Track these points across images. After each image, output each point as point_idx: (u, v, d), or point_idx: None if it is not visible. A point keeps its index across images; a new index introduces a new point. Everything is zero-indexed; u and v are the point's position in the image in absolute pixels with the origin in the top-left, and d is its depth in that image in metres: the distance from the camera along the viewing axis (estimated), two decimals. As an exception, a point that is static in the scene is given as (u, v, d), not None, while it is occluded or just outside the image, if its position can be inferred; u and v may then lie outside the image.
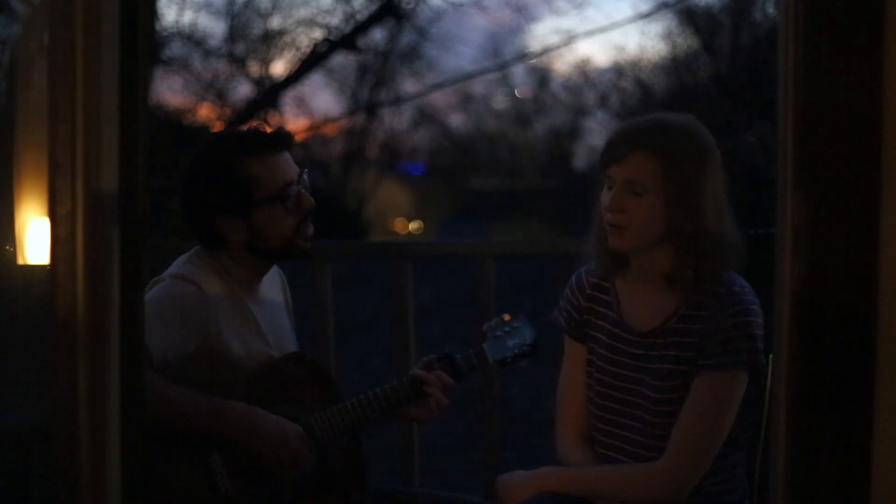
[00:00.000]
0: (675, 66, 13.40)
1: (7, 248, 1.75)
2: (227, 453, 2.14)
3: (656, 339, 2.16)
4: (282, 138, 2.26)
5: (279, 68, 11.54)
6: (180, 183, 2.29)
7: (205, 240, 2.29)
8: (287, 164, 2.26)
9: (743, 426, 2.19)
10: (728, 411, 2.10)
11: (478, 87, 15.21)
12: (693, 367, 2.11)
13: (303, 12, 11.78)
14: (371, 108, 13.33)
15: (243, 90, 11.70)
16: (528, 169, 17.58)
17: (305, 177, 2.29)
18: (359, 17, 11.07)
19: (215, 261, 2.28)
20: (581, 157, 17.19)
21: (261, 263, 2.32)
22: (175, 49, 10.94)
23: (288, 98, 12.20)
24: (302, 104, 12.69)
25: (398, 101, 13.64)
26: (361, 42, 11.58)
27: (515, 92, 14.66)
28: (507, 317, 2.44)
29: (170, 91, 11.48)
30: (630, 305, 2.22)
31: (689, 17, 12.68)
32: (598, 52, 18.96)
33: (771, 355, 2.19)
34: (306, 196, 2.27)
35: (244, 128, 2.34)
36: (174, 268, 2.28)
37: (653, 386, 2.14)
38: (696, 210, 2.08)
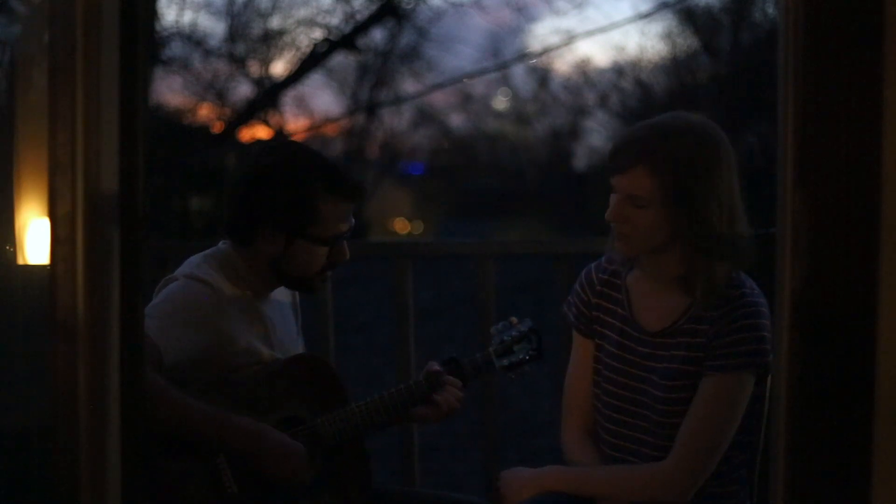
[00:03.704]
0: (675, 66, 13.39)
1: (7, 248, 1.75)
2: (233, 455, 2.15)
3: (665, 338, 2.15)
4: (360, 193, 2.30)
5: (279, 68, 11.52)
6: (244, 174, 2.26)
7: (236, 236, 2.29)
8: (347, 216, 2.28)
9: (747, 429, 2.17)
10: (734, 413, 2.09)
11: (478, 87, 15.19)
12: (700, 367, 2.10)
13: (303, 12, 11.73)
14: (371, 108, 13.30)
15: (243, 90, 11.68)
16: (528, 169, 17.55)
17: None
18: (359, 17, 11.05)
19: (230, 264, 2.28)
20: (581, 158, 17.17)
21: (273, 280, 2.32)
22: (175, 49, 10.92)
23: (288, 98, 12.18)
24: (302, 104, 12.66)
25: (398, 101, 13.61)
26: (361, 42, 11.56)
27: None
28: (513, 320, 2.42)
29: (170, 91, 11.48)
30: (641, 304, 2.21)
31: (689, 17, 12.68)
32: (598, 52, 18.89)
33: (771, 356, 2.19)
34: (345, 249, 2.30)
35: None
36: (187, 267, 2.27)
37: (660, 385, 2.14)
38: (701, 218, 2.06)
